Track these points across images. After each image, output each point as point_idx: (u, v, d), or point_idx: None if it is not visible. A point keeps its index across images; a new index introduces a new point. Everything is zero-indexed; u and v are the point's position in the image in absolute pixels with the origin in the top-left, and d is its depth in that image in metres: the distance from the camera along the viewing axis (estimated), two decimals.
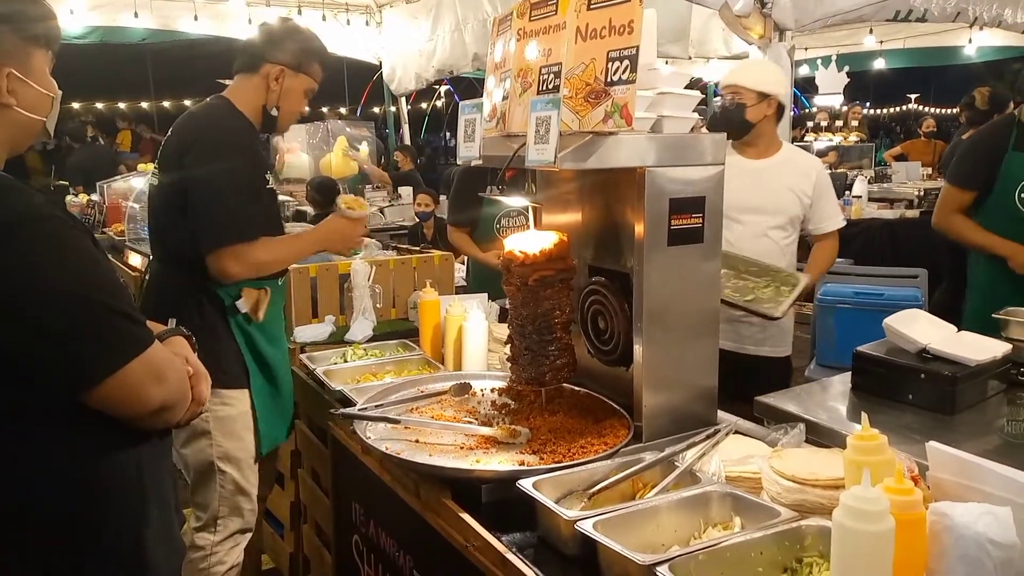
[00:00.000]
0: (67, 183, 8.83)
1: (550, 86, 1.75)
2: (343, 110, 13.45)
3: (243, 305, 2.38)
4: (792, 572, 1.34)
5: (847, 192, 6.77)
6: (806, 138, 9.65)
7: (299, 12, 7.16)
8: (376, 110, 12.20)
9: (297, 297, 3.09)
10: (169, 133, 2.48)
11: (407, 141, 9.11)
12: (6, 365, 1.24)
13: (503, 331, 2.31)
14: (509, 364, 2.05)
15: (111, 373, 1.28)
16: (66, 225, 1.30)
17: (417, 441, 1.86)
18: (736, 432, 1.86)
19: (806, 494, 1.46)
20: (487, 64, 2.06)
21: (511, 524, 1.57)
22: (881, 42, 8.67)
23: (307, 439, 2.73)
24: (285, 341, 2.64)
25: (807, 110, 12.13)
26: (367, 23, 7.86)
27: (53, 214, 1.29)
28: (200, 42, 7.60)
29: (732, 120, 2.96)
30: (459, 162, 2.02)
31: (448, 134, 16.50)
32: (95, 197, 6.76)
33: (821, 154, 8.37)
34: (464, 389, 2.14)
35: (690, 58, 7.10)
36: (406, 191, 7.47)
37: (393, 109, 9.03)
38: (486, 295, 2.94)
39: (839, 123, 10.09)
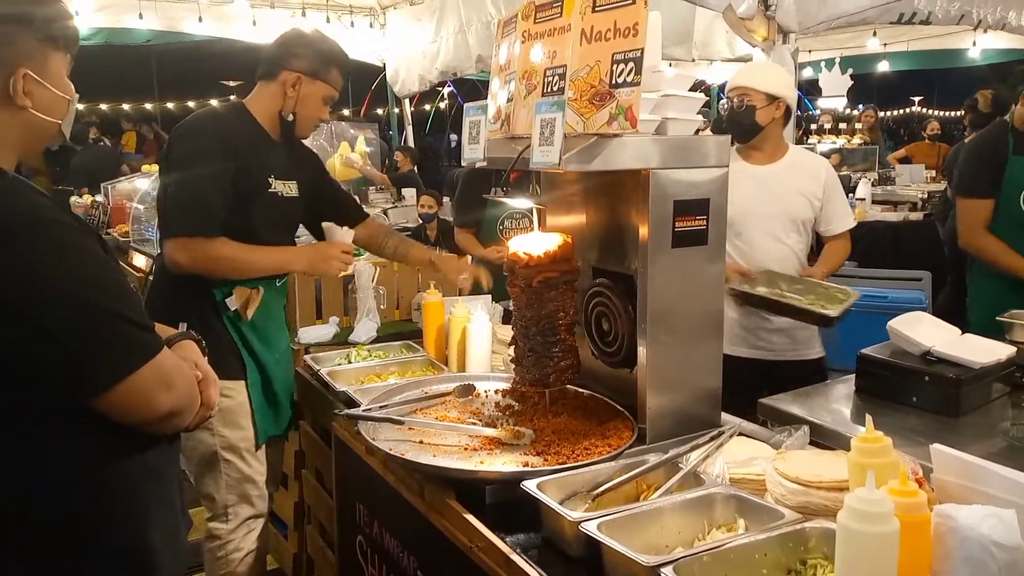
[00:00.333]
0: (70, 186, 8.86)
1: (555, 88, 1.75)
2: (347, 112, 13.46)
3: (232, 303, 2.41)
4: (796, 574, 1.34)
5: (851, 195, 6.76)
6: (809, 140, 9.63)
7: (303, 14, 7.17)
8: (380, 112, 12.21)
9: (301, 298, 3.10)
10: (175, 128, 2.54)
11: (411, 143, 9.11)
12: (11, 369, 1.24)
13: (507, 333, 2.31)
14: (513, 366, 2.05)
15: (119, 380, 1.28)
16: (74, 229, 1.30)
17: (421, 442, 1.86)
18: (740, 434, 1.86)
19: (810, 496, 1.46)
20: (492, 66, 2.07)
21: (515, 525, 1.57)
22: (885, 45, 8.66)
23: (311, 440, 2.73)
24: (284, 341, 2.64)
25: (810, 112, 12.12)
26: (371, 25, 7.86)
27: (61, 219, 1.29)
28: (204, 43, 7.62)
29: (741, 123, 2.91)
30: (464, 164, 2.02)
31: (454, 136, 16.52)
32: (99, 198, 6.77)
33: (824, 156, 8.34)
34: (468, 390, 2.14)
35: (694, 60, 7.08)
36: (409, 193, 7.47)
37: (397, 111, 9.04)
38: (490, 296, 2.95)
39: (843, 125, 10.07)
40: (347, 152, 7.84)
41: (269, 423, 2.55)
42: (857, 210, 6.42)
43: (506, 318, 2.81)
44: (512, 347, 2.05)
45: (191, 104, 15.35)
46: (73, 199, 7.40)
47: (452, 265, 2.87)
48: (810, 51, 8.80)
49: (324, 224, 2.65)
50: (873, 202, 6.81)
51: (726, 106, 3.03)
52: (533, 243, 1.94)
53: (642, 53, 1.60)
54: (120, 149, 11.67)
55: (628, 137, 1.68)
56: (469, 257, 4.02)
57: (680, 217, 1.81)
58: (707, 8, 4.44)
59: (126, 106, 15.66)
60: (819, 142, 9.55)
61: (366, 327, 3.00)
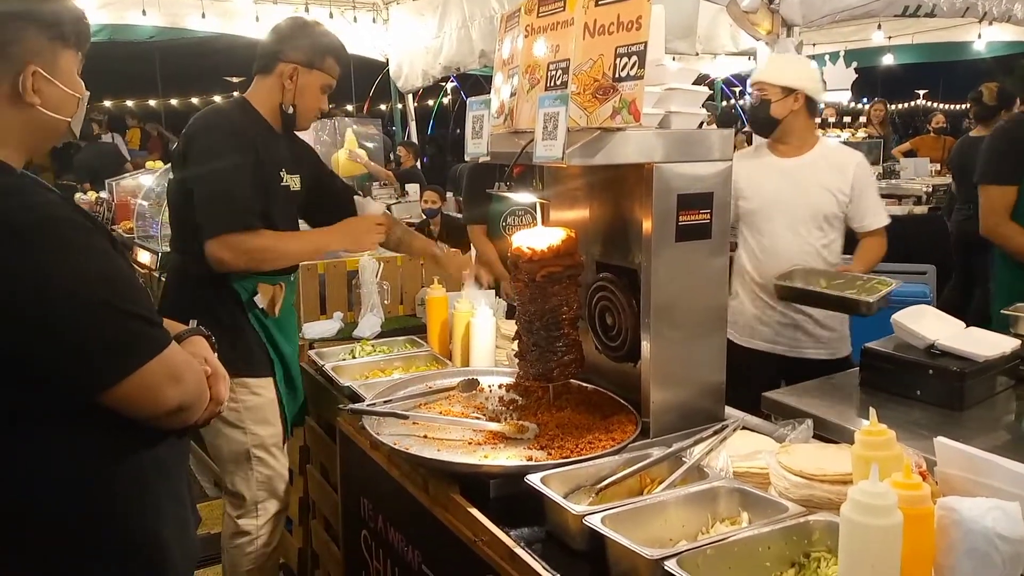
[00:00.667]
0: (74, 182, 8.86)
1: (558, 82, 1.75)
2: (350, 107, 13.47)
3: (260, 301, 2.40)
4: (800, 567, 1.34)
5: None
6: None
7: (306, 10, 7.16)
8: (383, 107, 12.21)
9: (306, 293, 3.11)
10: (186, 128, 2.50)
11: (414, 138, 9.11)
12: (22, 366, 1.25)
13: (511, 327, 2.31)
14: (517, 360, 2.06)
15: (127, 375, 1.28)
16: (84, 227, 1.30)
17: (425, 436, 1.87)
18: (744, 428, 1.86)
19: (814, 489, 1.46)
20: (495, 61, 2.07)
21: (519, 519, 1.58)
22: (889, 38, 8.62)
23: (316, 435, 2.74)
24: (297, 336, 2.66)
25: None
26: (374, 20, 7.86)
27: (72, 216, 1.30)
28: (208, 40, 7.63)
29: (758, 117, 2.97)
30: (467, 159, 2.02)
31: (458, 130, 16.48)
32: (104, 195, 6.78)
33: None
34: (472, 385, 2.15)
35: (697, 54, 7.06)
36: (413, 188, 7.47)
37: (400, 106, 9.04)
38: (493, 291, 2.95)
39: (847, 119, 10.03)
40: (353, 147, 7.84)
41: (294, 417, 2.56)
42: None
43: (510, 313, 2.81)
44: (516, 342, 2.05)
45: (195, 100, 15.38)
46: (77, 196, 7.41)
47: (455, 262, 2.87)
48: (814, 44, 8.77)
49: (356, 199, 2.66)
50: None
51: (751, 102, 3.07)
52: (537, 237, 1.94)
53: (645, 47, 1.59)
54: (125, 145, 11.68)
55: (631, 131, 1.67)
56: (473, 253, 4.04)
57: (684, 211, 1.81)
58: (711, 1, 4.43)
59: (130, 103, 15.70)
60: (824, 135, 9.52)
61: (370, 322, 3.01)
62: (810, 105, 2.95)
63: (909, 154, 8.95)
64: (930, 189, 6.99)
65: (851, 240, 3.05)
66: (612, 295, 1.97)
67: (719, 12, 5.29)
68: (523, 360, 2.00)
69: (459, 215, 5.48)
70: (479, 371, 2.31)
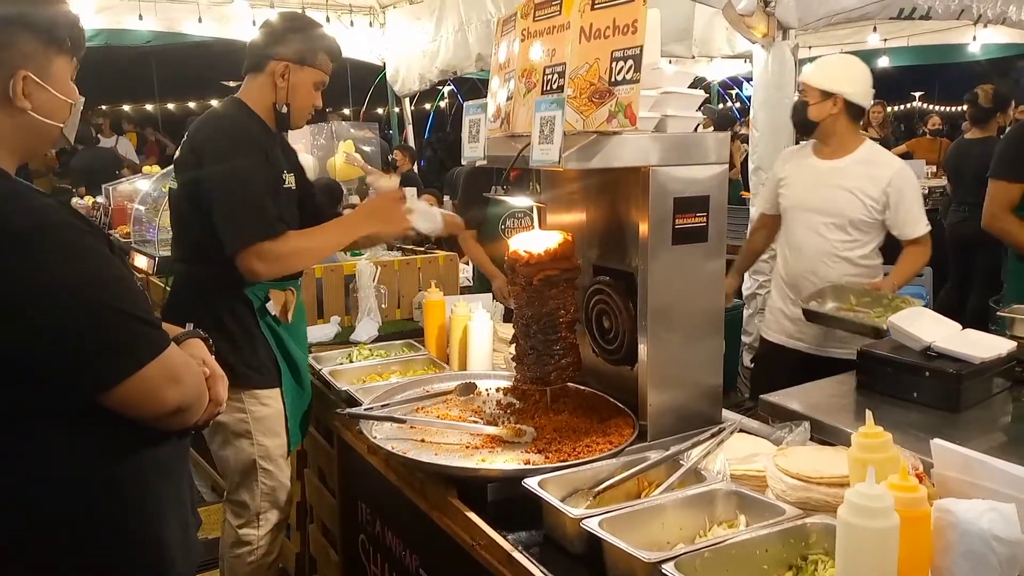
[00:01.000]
0: (70, 186, 8.84)
1: (554, 86, 1.76)
2: (347, 111, 13.47)
3: (273, 308, 2.37)
4: (797, 569, 1.34)
5: None
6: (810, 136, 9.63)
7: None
8: (380, 111, 12.21)
9: (303, 298, 3.10)
10: (185, 136, 2.45)
11: (411, 142, 9.12)
12: (23, 368, 1.26)
13: (508, 331, 2.31)
14: (514, 364, 2.06)
15: (128, 376, 1.29)
16: (81, 231, 1.30)
17: (423, 440, 1.87)
18: (741, 430, 1.86)
19: (811, 492, 1.47)
20: (491, 65, 2.07)
21: (517, 523, 1.58)
22: (885, 40, 8.63)
23: (313, 439, 2.74)
24: (306, 340, 2.63)
25: None
26: (371, 24, 7.86)
27: (69, 220, 1.30)
28: (204, 44, 7.62)
29: (797, 117, 3.05)
30: (464, 162, 2.02)
31: (452, 133, 16.50)
32: (100, 199, 6.77)
33: None
34: (469, 389, 2.15)
35: (693, 57, 7.07)
36: (410, 192, 7.46)
37: (397, 110, 9.04)
38: (490, 295, 2.95)
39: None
40: (350, 150, 7.84)
41: (299, 428, 2.51)
42: None
43: (507, 316, 2.81)
44: (513, 345, 2.05)
45: (191, 105, 15.37)
46: (74, 200, 7.40)
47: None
48: (810, 47, 8.77)
49: (369, 179, 2.62)
50: None
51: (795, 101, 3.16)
52: (534, 241, 1.94)
53: (641, 50, 1.60)
54: (133, 148, 11.67)
55: (628, 134, 1.68)
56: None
57: (680, 214, 1.82)
58: (707, 5, 4.44)
59: (127, 107, 15.69)
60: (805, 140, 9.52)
61: (367, 326, 3.01)
62: (851, 110, 2.94)
63: (905, 156, 8.94)
64: (926, 191, 7.00)
65: (895, 246, 3.05)
66: (609, 298, 1.98)
67: (715, 15, 5.31)
68: (520, 364, 2.01)
69: None
70: (476, 375, 2.31)
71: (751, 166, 4.55)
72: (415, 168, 8.63)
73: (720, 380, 1.96)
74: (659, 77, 1.85)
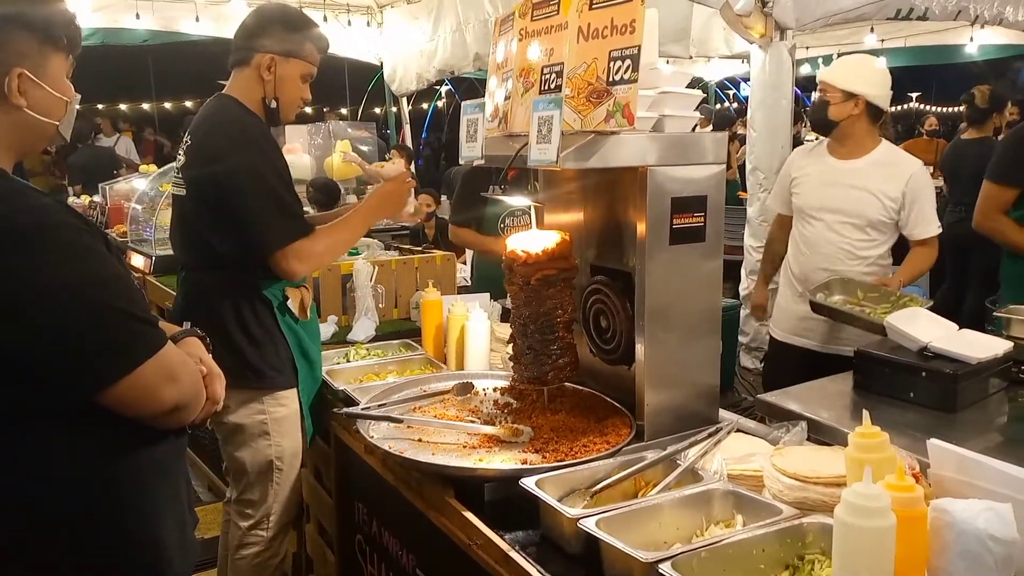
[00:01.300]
0: (65, 184, 8.82)
1: (552, 86, 1.76)
2: (344, 111, 13.45)
3: (292, 305, 2.35)
4: (794, 569, 1.34)
5: None
6: (807, 137, 9.64)
7: None
8: (377, 111, 12.21)
9: None
10: (188, 140, 2.39)
11: (408, 142, 9.11)
12: (22, 369, 1.26)
13: (505, 331, 2.31)
14: (511, 363, 2.06)
15: (125, 374, 1.29)
16: (79, 230, 1.31)
17: (420, 440, 1.87)
18: (738, 430, 1.86)
19: (808, 492, 1.47)
20: (489, 64, 2.07)
21: (514, 522, 1.58)
22: (882, 41, 8.65)
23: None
24: (319, 335, 2.61)
25: (806, 108, 12.14)
26: (368, 24, 7.86)
27: (67, 220, 1.30)
28: (201, 43, 7.61)
29: (817, 116, 3.05)
30: (462, 162, 2.02)
31: (449, 133, 16.51)
32: (97, 198, 6.76)
33: None
34: (467, 388, 2.15)
35: (691, 57, 7.09)
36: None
37: (394, 110, 9.04)
38: (488, 295, 2.95)
39: None
40: (347, 149, 7.84)
41: (314, 423, 2.48)
42: None
43: (504, 316, 2.81)
44: (510, 345, 2.05)
45: (188, 104, 15.34)
46: (71, 200, 7.39)
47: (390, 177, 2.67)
48: (807, 48, 8.80)
49: (375, 166, 2.62)
50: None
51: (814, 100, 3.16)
52: (531, 241, 1.94)
53: (639, 50, 1.60)
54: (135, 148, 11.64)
55: (625, 134, 1.68)
56: (469, 255, 4.01)
57: (678, 214, 1.82)
58: (705, 5, 4.45)
59: (123, 106, 15.65)
60: (816, 138, 9.55)
61: (364, 326, 3.00)
62: (872, 112, 2.95)
63: None
64: None
65: (901, 247, 3.07)
66: (606, 298, 1.98)
67: (712, 15, 5.32)
68: (518, 363, 2.01)
69: None
70: (474, 374, 2.30)
71: (748, 166, 4.56)
72: (412, 167, 8.62)
73: (717, 380, 1.96)
74: (657, 77, 1.85)
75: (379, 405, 2.05)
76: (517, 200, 2.27)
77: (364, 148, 8.42)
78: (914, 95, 17.20)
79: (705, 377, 1.94)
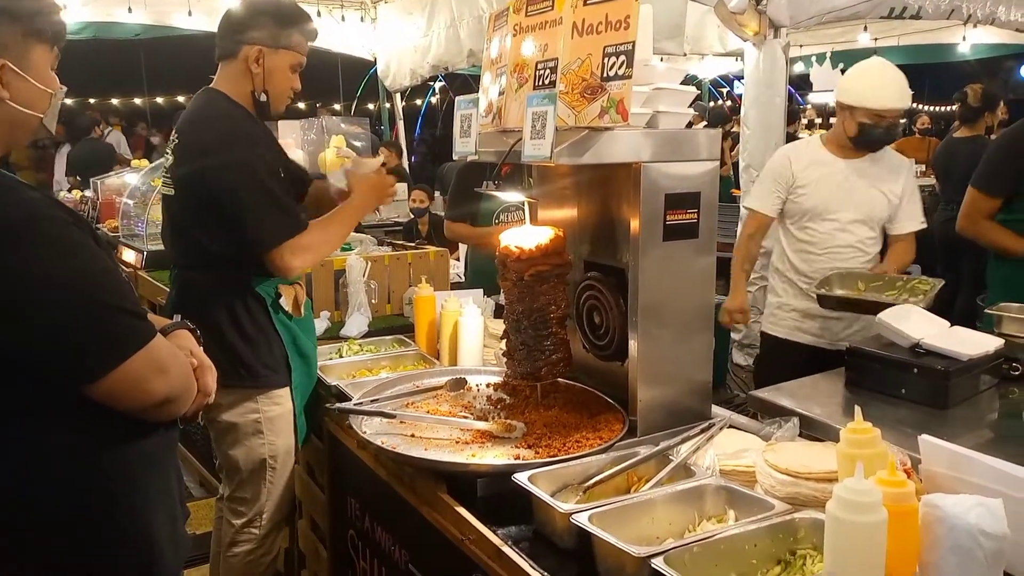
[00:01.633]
0: (49, 179, 8.76)
1: (546, 81, 1.75)
2: (338, 106, 13.42)
3: (285, 303, 2.34)
4: (786, 564, 1.35)
5: None
6: (799, 135, 9.67)
7: None
8: (371, 106, 12.19)
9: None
10: (176, 138, 2.36)
11: (402, 137, 9.10)
12: (10, 364, 1.25)
13: (498, 326, 2.31)
14: (504, 359, 2.06)
15: (114, 367, 1.29)
16: (66, 224, 1.30)
17: (413, 436, 1.87)
18: (730, 426, 1.87)
19: (800, 487, 1.47)
20: (483, 60, 2.06)
21: (506, 518, 1.58)
22: (875, 39, 8.66)
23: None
24: (314, 331, 2.61)
25: (800, 107, 12.17)
26: (362, 19, 7.84)
27: (54, 213, 1.30)
28: (194, 37, 7.57)
29: (890, 139, 2.99)
30: (455, 157, 2.02)
31: (443, 128, 16.45)
32: (88, 193, 6.73)
33: None
34: (460, 384, 2.15)
35: (685, 55, 7.08)
36: (400, 187, 7.45)
37: (388, 105, 9.02)
38: (481, 291, 2.95)
39: (834, 120, 10.06)
40: (341, 144, 7.81)
41: (308, 421, 2.47)
42: None
43: (498, 312, 2.81)
44: (504, 341, 2.05)
45: (180, 99, 15.28)
46: (62, 194, 7.35)
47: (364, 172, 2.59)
48: (801, 46, 8.82)
49: (354, 158, 2.62)
50: None
51: (882, 126, 3.06)
52: (525, 237, 1.94)
53: (633, 46, 1.60)
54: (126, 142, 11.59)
55: (619, 130, 1.68)
56: (462, 250, 4.00)
57: (671, 210, 1.82)
58: (699, 2, 4.45)
59: (115, 101, 15.58)
60: (810, 135, 9.57)
61: (357, 321, 3.00)
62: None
63: None
64: None
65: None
66: (600, 294, 1.98)
67: (707, 13, 5.31)
68: (511, 359, 2.00)
69: None
70: (467, 370, 2.30)
71: (742, 164, 4.57)
72: (404, 163, 8.60)
73: (710, 376, 1.96)
74: (651, 73, 1.85)
75: (372, 401, 2.05)
76: (511, 196, 2.27)
77: (357, 144, 8.38)
78: None
79: (698, 373, 1.95)
